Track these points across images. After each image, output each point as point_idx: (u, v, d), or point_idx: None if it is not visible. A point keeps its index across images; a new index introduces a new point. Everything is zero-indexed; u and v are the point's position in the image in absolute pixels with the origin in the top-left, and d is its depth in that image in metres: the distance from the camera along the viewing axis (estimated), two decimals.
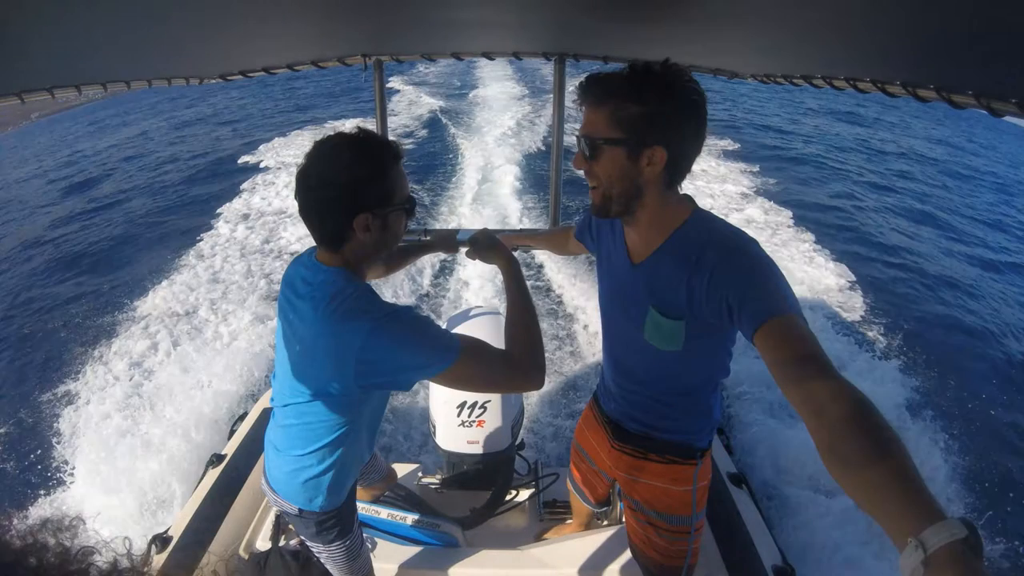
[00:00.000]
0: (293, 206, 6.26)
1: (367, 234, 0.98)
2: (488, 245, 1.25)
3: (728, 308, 0.87)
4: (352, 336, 0.92)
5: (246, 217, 7.10)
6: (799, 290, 5.25)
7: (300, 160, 0.98)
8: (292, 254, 5.77)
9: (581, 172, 0.99)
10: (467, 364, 0.94)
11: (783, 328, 0.78)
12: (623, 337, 1.19)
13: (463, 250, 1.38)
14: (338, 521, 1.26)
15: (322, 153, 0.96)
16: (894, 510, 0.51)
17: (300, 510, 1.21)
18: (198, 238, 6.54)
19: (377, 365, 0.93)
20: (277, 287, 5.19)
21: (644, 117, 0.88)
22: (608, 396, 1.33)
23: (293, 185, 0.97)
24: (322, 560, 1.34)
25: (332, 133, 0.99)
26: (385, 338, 0.92)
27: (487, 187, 7.72)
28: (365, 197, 0.96)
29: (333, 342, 0.95)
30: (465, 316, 2.06)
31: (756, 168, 9.28)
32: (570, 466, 1.68)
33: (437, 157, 9.11)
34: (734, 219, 7.10)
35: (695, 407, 1.19)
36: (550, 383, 3.98)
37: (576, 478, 1.65)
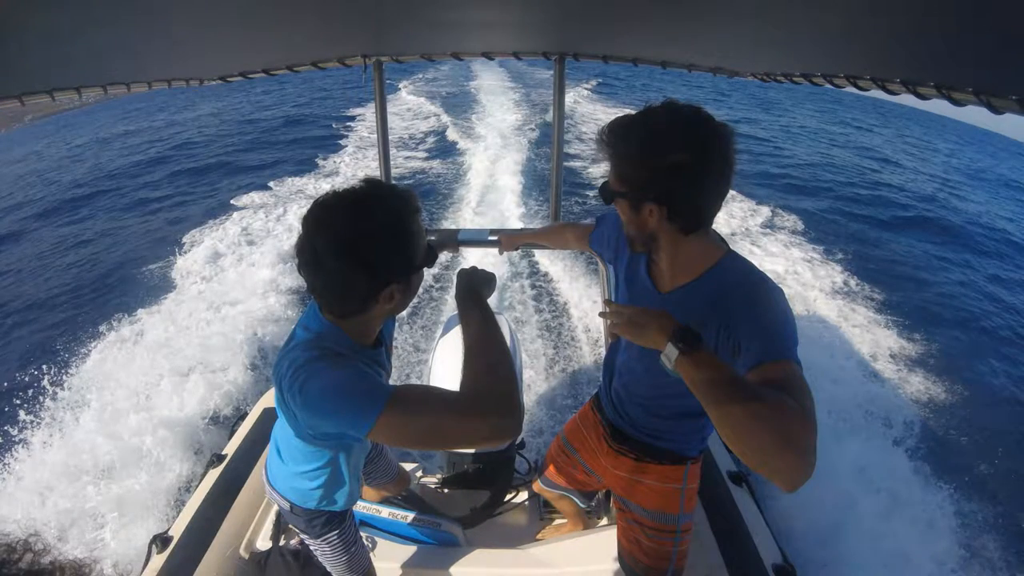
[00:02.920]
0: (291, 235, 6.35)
1: (390, 303, 0.90)
2: (467, 291, 1.01)
3: (736, 348, 0.88)
4: (295, 402, 0.87)
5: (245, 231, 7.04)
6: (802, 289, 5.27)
7: (302, 216, 0.85)
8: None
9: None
10: (394, 415, 0.78)
11: (776, 372, 0.79)
12: (634, 351, 1.22)
13: (464, 250, 1.37)
14: (330, 516, 1.27)
15: (332, 223, 0.82)
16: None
17: (292, 505, 1.23)
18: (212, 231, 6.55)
19: (319, 426, 0.90)
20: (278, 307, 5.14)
21: (636, 175, 0.93)
22: (608, 400, 1.36)
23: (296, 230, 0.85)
24: (316, 554, 1.34)
25: (330, 193, 0.84)
26: (314, 403, 0.84)
27: (488, 186, 7.71)
28: (393, 271, 0.86)
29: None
30: None
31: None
32: (550, 468, 1.68)
33: (438, 157, 9.11)
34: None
35: (692, 425, 1.23)
36: (552, 382, 3.98)
37: (557, 478, 1.66)
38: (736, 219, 7.55)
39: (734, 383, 0.72)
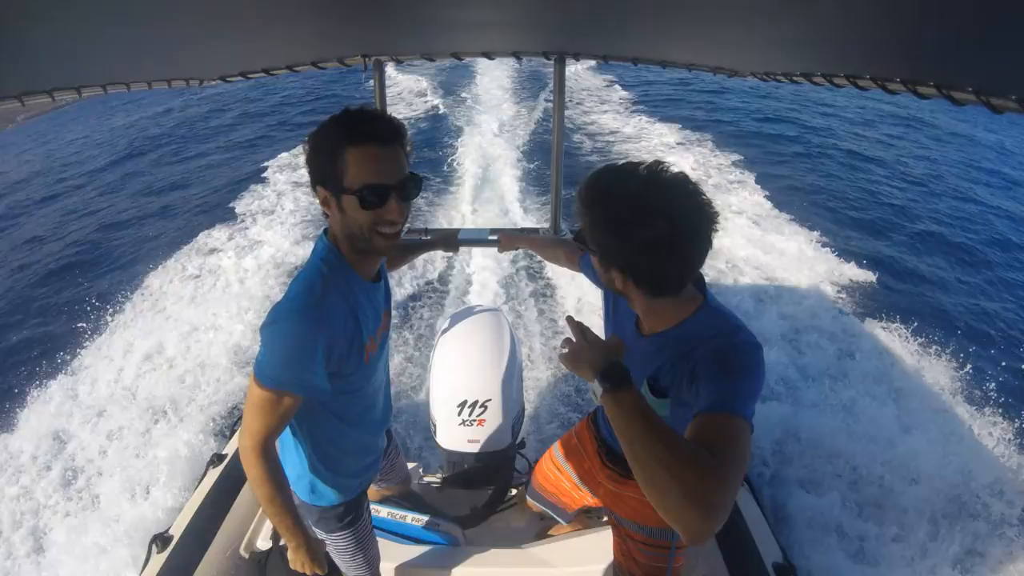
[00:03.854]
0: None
1: (329, 209, 0.99)
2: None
3: (697, 399, 0.89)
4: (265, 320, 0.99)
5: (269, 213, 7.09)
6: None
7: None
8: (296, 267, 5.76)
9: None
10: (253, 387, 0.98)
11: (714, 423, 0.79)
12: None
13: (467, 249, 1.39)
14: (346, 511, 1.27)
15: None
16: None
17: (300, 501, 1.22)
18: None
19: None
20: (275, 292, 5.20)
21: (605, 243, 0.93)
22: (604, 417, 1.38)
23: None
24: (328, 551, 1.32)
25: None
26: (265, 329, 0.97)
27: (487, 186, 7.71)
28: (314, 170, 0.97)
29: None
30: (469, 312, 2.06)
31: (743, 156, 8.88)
32: (537, 479, 1.70)
33: (436, 156, 9.09)
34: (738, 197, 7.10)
35: None
36: (552, 380, 3.98)
37: (545, 491, 1.68)
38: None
39: (652, 429, 0.72)
